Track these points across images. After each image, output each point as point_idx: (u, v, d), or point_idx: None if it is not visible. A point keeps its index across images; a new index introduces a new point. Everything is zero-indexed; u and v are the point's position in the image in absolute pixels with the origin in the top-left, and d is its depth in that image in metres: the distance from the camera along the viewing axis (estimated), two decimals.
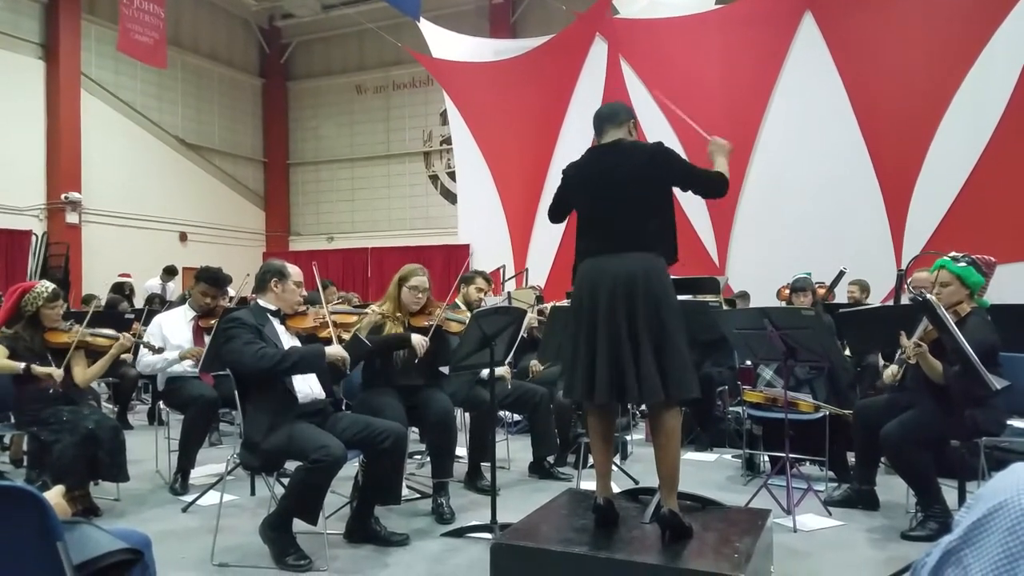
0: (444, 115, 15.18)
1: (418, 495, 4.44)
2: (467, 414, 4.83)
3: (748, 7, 11.03)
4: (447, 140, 15.60)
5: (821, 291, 6.43)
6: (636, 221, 3.05)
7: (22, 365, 4.11)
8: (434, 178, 17.41)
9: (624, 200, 3.06)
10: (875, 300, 7.67)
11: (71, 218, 13.52)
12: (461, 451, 4.83)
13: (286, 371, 3.43)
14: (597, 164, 3.19)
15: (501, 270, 10.12)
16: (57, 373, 4.16)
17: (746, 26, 10.77)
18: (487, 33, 15.35)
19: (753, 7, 10.96)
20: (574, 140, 11.69)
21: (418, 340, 4.06)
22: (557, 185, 3.36)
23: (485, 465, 4.58)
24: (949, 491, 3.79)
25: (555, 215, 3.42)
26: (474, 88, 13.08)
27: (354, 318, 4.08)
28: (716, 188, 3.20)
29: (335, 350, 3.54)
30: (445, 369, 4.39)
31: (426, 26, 12.81)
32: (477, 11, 16.21)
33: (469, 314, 4.62)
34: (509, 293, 7.70)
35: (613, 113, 3.27)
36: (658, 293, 2.95)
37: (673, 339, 2.92)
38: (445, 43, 13.17)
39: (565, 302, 5.98)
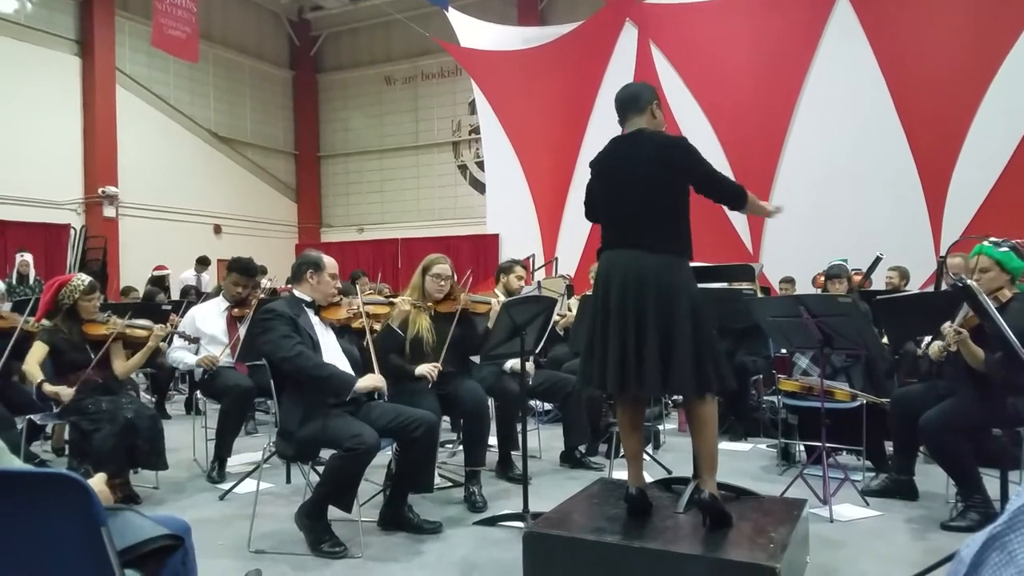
0: (472, 104, 15.17)
1: (450, 483, 4.46)
2: (495, 402, 4.83)
3: None
4: (475, 129, 15.59)
5: (857, 278, 6.32)
6: (651, 217, 3.01)
7: (40, 379, 4.19)
8: (463, 168, 17.42)
9: (640, 194, 3.02)
10: (913, 287, 7.54)
11: (108, 212, 13.75)
12: (492, 440, 4.84)
13: (315, 379, 3.44)
14: (616, 155, 3.17)
15: (531, 259, 10.10)
16: (66, 393, 4.12)
17: (780, 10, 10.62)
18: (515, 21, 15.27)
19: None
20: (603, 127, 11.52)
21: (423, 370, 4.02)
22: (588, 178, 3.33)
23: (516, 454, 4.59)
24: (990, 480, 3.72)
25: (588, 210, 3.36)
26: (502, 76, 13.05)
27: (387, 309, 4.09)
28: (732, 197, 3.14)
29: (367, 382, 3.51)
30: (475, 358, 4.40)
31: (454, 15, 12.80)
32: None
33: (493, 295, 4.63)
34: (539, 282, 7.68)
35: (634, 97, 3.17)
36: (670, 288, 2.93)
37: (682, 335, 2.89)
38: (473, 32, 13.15)
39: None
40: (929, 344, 4.08)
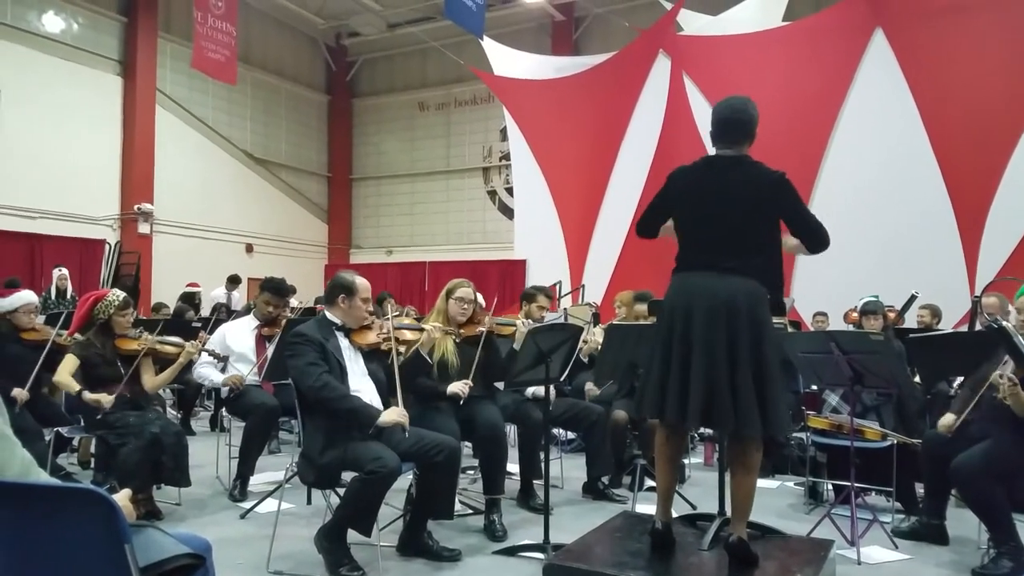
0: (504, 131, 15.30)
1: (471, 511, 4.43)
2: (517, 428, 4.80)
3: (816, 23, 10.86)
4: (506, 156, 15.71)
5: (891, 315, 6.22)
6: (747, 246, 2.92)
7: (77, 388, 4.26)
8: (492, 193, 17.53)
9: (739, 221, 2.93)
10: (946, 326, 7.40)
11: (143, 228, 14.01)
12: (514, 467, 4.81)
13: (337, 411, 3.42)
14: (717, 176, 3.00)
15: (557, 286, 10.10)
16: (107, 400, 4.22)
17: (814, 43, 10.59)
18: (549, 50, 15.42)
19: (821, 23, 10.78)
20: (633, 158, 11.63)
21: (454, 388, 4.05)
22: (654, 192, 3.17)
23: (537, 483, 4.55)
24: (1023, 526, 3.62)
25: (649, 226, 3.22)
26: (534, 105, 13.15)
27: (417, 335, 4.08)
28: (821, 239, 3.01)
29: (390, 416, 3.46)
30: (500, 384, 4.39)
31: (489, 44, 12.94)
32: (539, 28, 16.32)
33: (519, 318, 4.63)
34: (565, 310, 7.66)
35: (744, 122, 3.03)
36: (761, 322, 2.84)
37: (774, 373, 2.81)
38: (507, 60, 13.29)
39: (619, 320, 5.93)
40: (953, 393, 3.99)
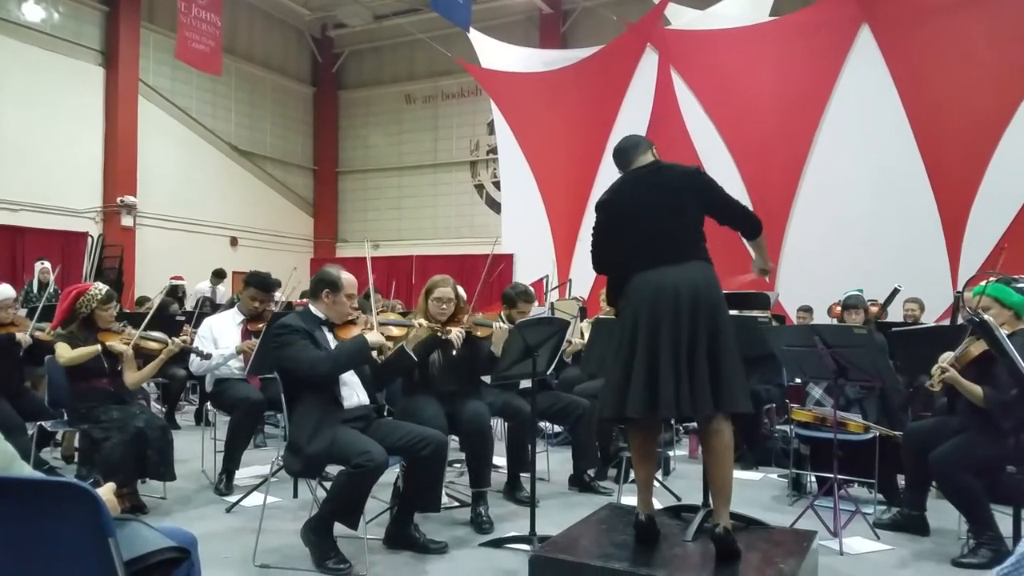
0: (491, 125, 15.27)
1: (457, 503, 4.44)
2: (505, 423, 4.82)
3: (803, 19, 10.89)
4: (493, 150, 15.68)
5: (874, 309, 6.28)
6: (679, 238, 3.05)
7: (96, 348, 4.26)
8: (479, 187, 17.50)
9: (665, 221, 3.06)
10: (929, 320, 7.47)
11: (126, 221, 13.88)
12: (500, 460, 4.82)
13: (340, 370, 3.49)
14: (645, 182, 3.17)
15: (544, 280, 10.09)
16: (128, 352, 4.35)
17: (801, 38, 10.63)
18: (537, 43, 15.38)
19: (808, 19, 10.82)
20: None
21: (453, 334, 4.13)
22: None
23: (524, 476, 4.56)
24: (1004, 518, 3.66)
25: (604, 260, 3.28)
26: (522, 98, 13.13)
27: (402, 331, 4.08)
28: (749, 225, 3.20)
29: (376, 338, 3.53)
30: (487, 378, 4.40)
31: (476, 36, 12.89)
32: (527, 21, 16.28)
33: (497, 319, 4.64)
34: (552, 304, 7.67)
35: (634, 143, 3.28)
36: (716, 303, 2.95)
37: (729, 350, 2.89)
38: (494, 53, 13.25)
39: (605, 314, 5.95)
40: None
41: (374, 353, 3.56)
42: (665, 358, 2.87)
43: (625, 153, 3.26)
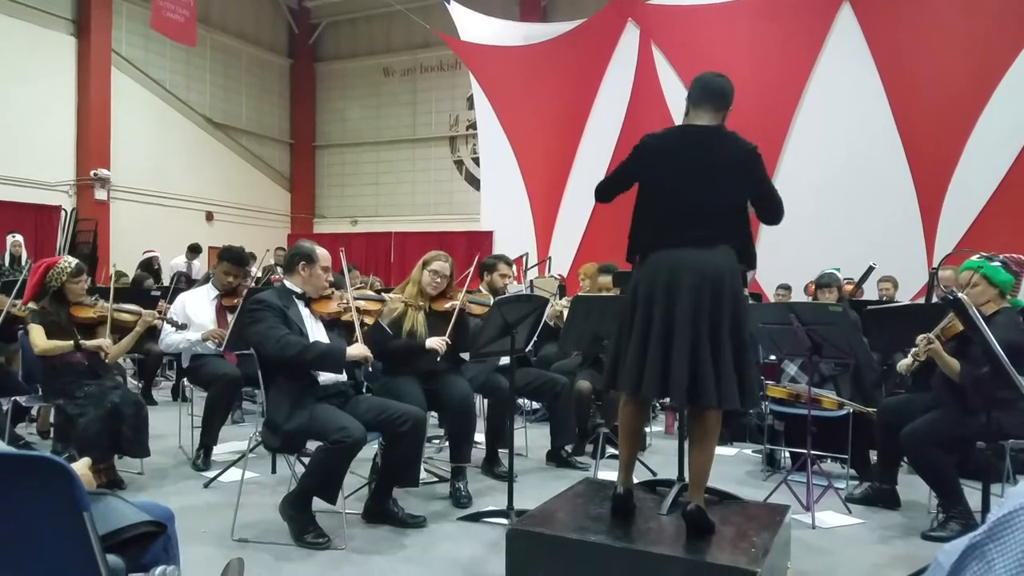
0: (471, 99, 15.11)
1: (436, 479, 4.47)
2: (485, 400, 4.83)
3: None
4: (473, 125, 15.53)
5: (849, 287, 6.34)
6: (724, 215, 2.88)
7: (71, 341, 4.19)
8: (459, 163, 17.39)
9: (716, 190, 2.86)
10: (904, 298, 7.57)
11: (99, 195, 13.66)
12: (479, 437, 4.84)
13: (307, 363, 3.44)
14: (693, 145, 2.92)
15: (524, 258, 10.10)
16: (106, 343, 4.26)
17: (783, 15, 10.62)
18: (517, 17, 15.23)
19: None
20: (602, 128, 11.59)
21: (433, 343, 4.06)
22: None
23: (502, 452, 4.59)
24: (973, 493, 3.74)
25: (611, 191, 3.11)
26: (502, 72, 13.01)
27: (378, 305, 4.08)
28: (779, 213, 3.02)
29: (357, 350, 3.53)
30: (466, 355, 4.41)
31: (456, 8, 12.75)
32: None
33: (492, 298, 4.63)
34: (532, 281, 7.68)
35: (723, 92, 2.96)
36: (739, 296, 2.83)
37: (748, 347, 2.85)
38: (474, 26, 13.11)
39: (584, 292, 5.96)
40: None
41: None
42: (680, 345, 2.77)
43: (704, 95, 2.96)
